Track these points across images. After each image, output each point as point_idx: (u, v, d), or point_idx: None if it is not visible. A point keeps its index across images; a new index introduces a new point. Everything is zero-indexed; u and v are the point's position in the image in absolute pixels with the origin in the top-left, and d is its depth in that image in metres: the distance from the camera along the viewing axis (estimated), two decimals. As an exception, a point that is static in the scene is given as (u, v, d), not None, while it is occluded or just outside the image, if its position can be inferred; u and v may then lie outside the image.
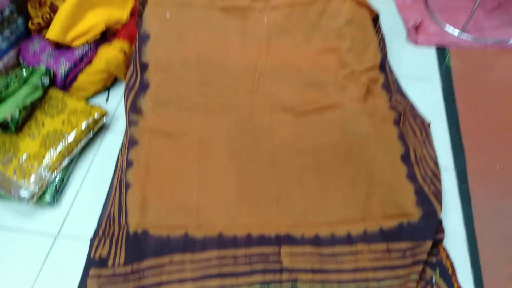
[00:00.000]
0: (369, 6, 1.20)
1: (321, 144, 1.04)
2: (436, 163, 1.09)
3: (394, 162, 1.07)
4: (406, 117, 1.20)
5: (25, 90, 1.20)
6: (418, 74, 1.43)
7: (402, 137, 1.13)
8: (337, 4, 1.11)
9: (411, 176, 1.05)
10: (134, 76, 1.15)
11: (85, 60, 1.37)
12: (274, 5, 1.14)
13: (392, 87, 1.30)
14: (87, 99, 1.41)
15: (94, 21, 1.39)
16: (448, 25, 1.56)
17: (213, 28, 1.13)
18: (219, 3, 1.13)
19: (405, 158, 1.08)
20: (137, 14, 1.23)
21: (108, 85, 1.44)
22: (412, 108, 1.26)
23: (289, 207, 0.97)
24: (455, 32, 1.54)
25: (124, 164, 1.03)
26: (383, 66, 1.24)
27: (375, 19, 1.32)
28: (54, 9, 1.39)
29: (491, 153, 1.20)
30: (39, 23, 1.40)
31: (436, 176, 1.06)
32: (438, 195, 1.02)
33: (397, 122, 1.15)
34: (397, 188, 1.02)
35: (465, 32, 1.53)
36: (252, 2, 1.14)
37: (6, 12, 1.34)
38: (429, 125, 1.22)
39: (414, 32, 1.54)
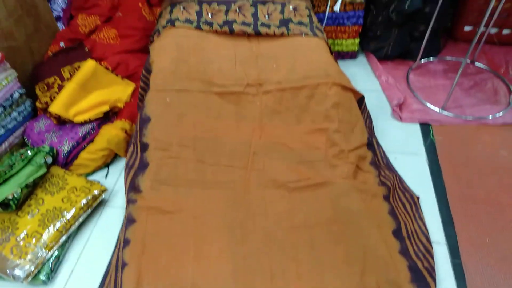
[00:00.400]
0: (354, 90, 1.30)
1: (314, 220, 1.07)
2: (427, 238, 1.12)
3: (386, 237, 1.09)
4: (395, 191, 1.25)
5: (28, 169, 1.25)
6: (404, 149, 1.50)
7: (393, 212, 1.16)
8: (324, 90, 1.20)
9: (404, 252, 1.06)
10: (134, 155, 1.20)
11: (87, 138, 1.44)
12: (266, 90, 1.23)
13: (381, 162, 1.36)
14: (87, 175, 1.45)
15: (97, 100, 1.48)
16: (429, 103, 1.68)
17: (209, 111, 1.21)
18: (216, 89, 1.22)
19: (397, 233, 1.11)
20: (138, 98, 1.32)
21: (108, 162, 1.49)
22: (401, 183, 1.32)
23: (284, 286, 0.97)
24: (437, 109, 1.65)
25: (121, 242, 1.05)
26: (371, 143, 1.31)
27: (361, 99, 1.43)
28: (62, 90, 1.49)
29: (480, 226, 1.23)
30: (46, 102, 1.49)
31: (428, 251, 1.08)
32: (431, 271, 1.03)
33: (387, 198, 1.19)
34: (391, 264, 1.03)
35: (446, 110, 1.64)
36: (246, 87, 1.23)
37: (16, 95, 1.43)
38: (418, 199, 1.27)
39: (398, 110, 1.64)
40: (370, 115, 1.55)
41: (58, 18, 1.83)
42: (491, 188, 1.34)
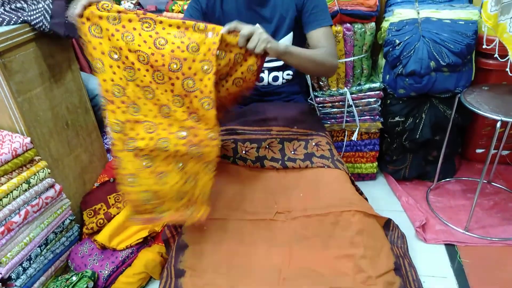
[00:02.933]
0: (377, 215, 1.39)
1: None
2: None
3: None
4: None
5: (72, 295, 1.33)
6: (432, 272, 1.51)
7: None
8: (348, 217, 1.30)
9: None
10: (169, 282, 1.27)
11: (126, 262, 1.53)
12: (293, 217, 1.34)
13: (412, 286, 1.37)
14: (123, 299, 1.51)
15: (137, 228, 1.62)
16: (451, 224, 1.73)
17: (243, 237, 1.31)
18: (249, 216, 1.34)
19: None
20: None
21: (143, 285, 1.55)
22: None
23: None
24: (460, 230, 1.69)
25: None
26: (398, 268, 1.34)
27: (388, 222, 1.50)
28: (108, 216, 1.64)
29: None
30: (92, 228, 1.63)
31: None
32: None
33: (419, 327, 1.19)
34: None
35: (469, 231, 1.68)
36: (276, 215, 1.35)
37: (66, 222, 1.58)
38: (453, 327, 1.24)
39: (422, 231, 1.69)
40: (402, 234, 1.58)
41: (108, 150, 2.09)
42: (528, 315, 1.31)
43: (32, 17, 1.41)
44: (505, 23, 1.39)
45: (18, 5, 1.44)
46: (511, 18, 1.37)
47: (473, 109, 1.50)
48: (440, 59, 1.58)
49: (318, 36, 1.42)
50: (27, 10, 1.43)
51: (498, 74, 1.78)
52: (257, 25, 1.26)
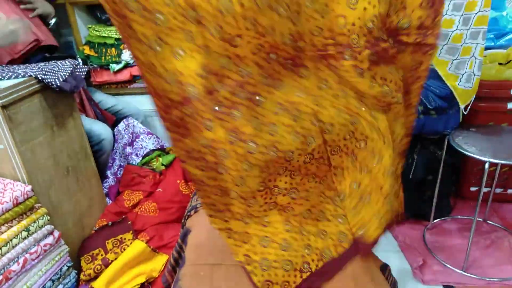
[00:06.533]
0: (373, 255, 1.39)
1: None
2: None
3: None
4: None
5: None
6: (432, 315, 1.50)
7: None
8: (343, 261, 1.31)
9: None
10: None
11: (124, 310, 1.52)
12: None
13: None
14: None
15: (135, 273, 1.62)
16: (449, 264, 1.73)
17: (240, 282, 1.31)
18: (245, 262, 1.35)
19: None
20: (171, 268, 1.45)
21: (139, 334, 1.54)
22: None
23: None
24: (458, 270, 1.69)
25: None
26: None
27: (384, 266, 1.49)
28: (105, 262, 1.64)
29: None
30: (89, 274, 1.63)
31: None
32: None
33: None
34: None
35: (467, 271, 1.67)
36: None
37: (64, 268, 1.58)
38: None
39: (420, 272, 1.69)
40: (395, 281, 1.58)
41: (107, 194, 2.12)
42: None
43: (45, 76, 1.49)
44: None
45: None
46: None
47: (462, 150, 1.54)
48: (427, 103, 1.65)
49: None
50: (41, 69, 1.53)
51: (485, 115, 1.84)
52: None
